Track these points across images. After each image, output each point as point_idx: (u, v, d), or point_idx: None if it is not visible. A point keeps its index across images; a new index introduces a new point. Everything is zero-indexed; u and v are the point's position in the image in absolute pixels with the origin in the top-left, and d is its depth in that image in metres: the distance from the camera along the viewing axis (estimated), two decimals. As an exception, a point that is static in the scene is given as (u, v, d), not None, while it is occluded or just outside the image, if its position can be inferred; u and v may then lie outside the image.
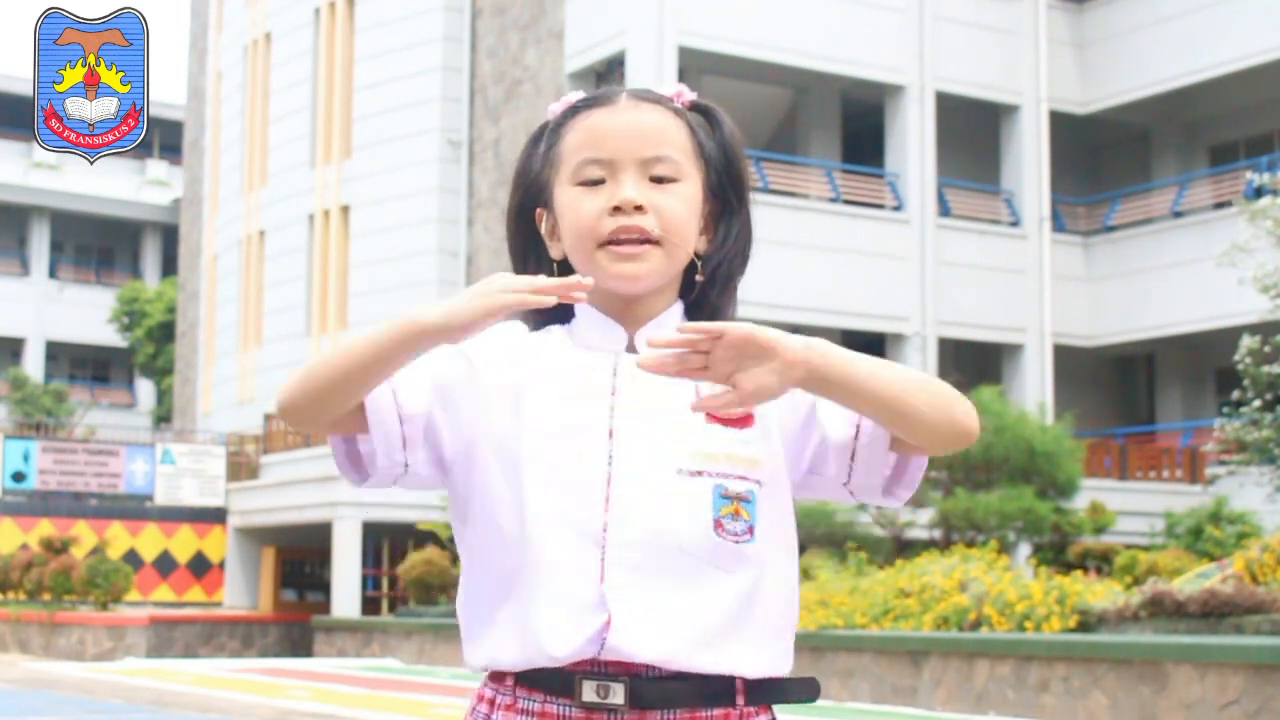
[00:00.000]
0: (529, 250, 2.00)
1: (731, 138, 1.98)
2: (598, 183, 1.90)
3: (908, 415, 1.83)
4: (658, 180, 1.90)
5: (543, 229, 1.98)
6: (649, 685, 1.81)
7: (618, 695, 1.81)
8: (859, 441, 1.90)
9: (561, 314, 1.97)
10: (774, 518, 1.89)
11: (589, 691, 1.81)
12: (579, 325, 1.95)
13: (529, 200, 1.99)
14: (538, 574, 1.83)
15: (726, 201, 1.98)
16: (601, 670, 1.82)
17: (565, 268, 1.96)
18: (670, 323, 1.94)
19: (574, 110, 1.96)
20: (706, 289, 1.97)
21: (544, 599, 1.83)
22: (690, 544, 1.83)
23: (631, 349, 1.92)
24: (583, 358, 1.92)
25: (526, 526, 1.84)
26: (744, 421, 1.86)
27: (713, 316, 1.98)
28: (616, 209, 1.88)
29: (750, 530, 1.85)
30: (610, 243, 1.88)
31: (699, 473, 1.84)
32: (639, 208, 1.88)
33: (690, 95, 1.99)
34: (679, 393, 1.87)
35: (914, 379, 1.84)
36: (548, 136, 1.98)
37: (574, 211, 1.90)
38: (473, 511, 1.90)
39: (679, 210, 1.90)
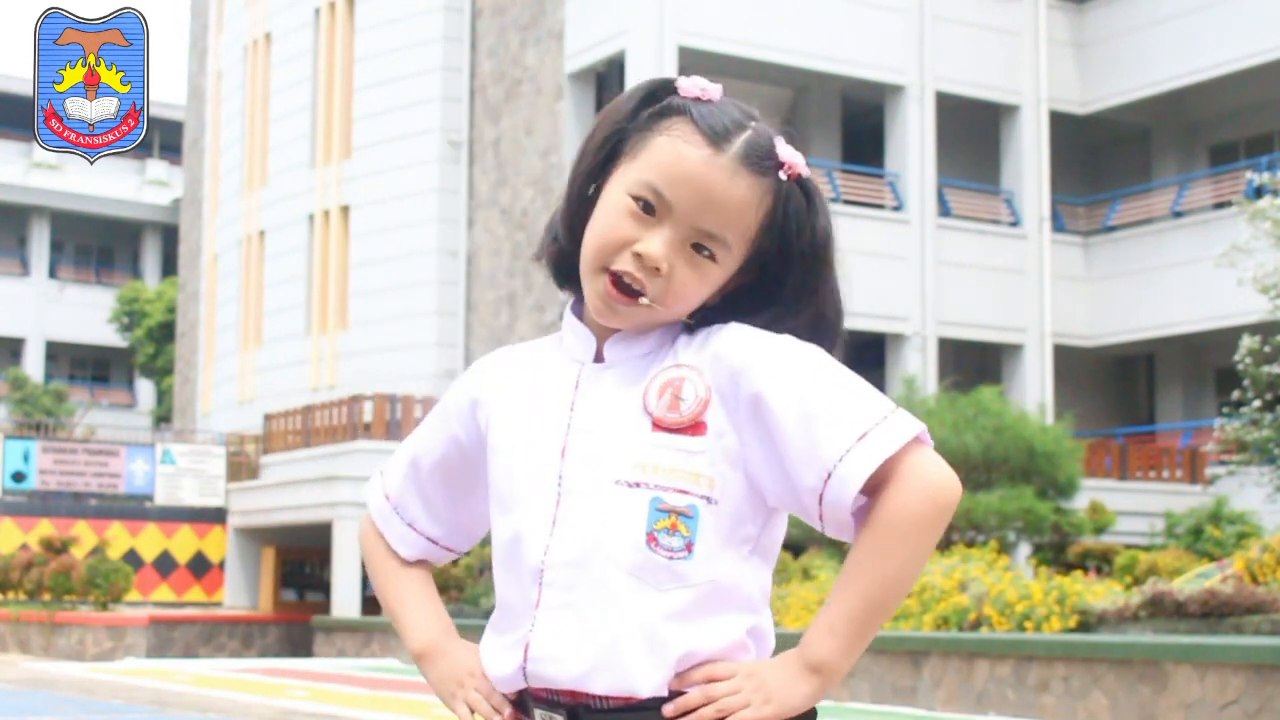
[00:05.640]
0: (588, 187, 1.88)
1: (825, 224, 1.86)
2: (648, 209, 1.80)
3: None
4: (697, 247, 1.80)
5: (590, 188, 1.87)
6: (590, 715, 1.77)
7: None
8: (825, 494, 1.74)
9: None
10: (728, 538, 1.78)
11: (538, 718, 1.81)
12: (564, 330, 1.91)
13: (610, 144, 1.86)
14: (497, 609, 1.85)
15: (800, 274, 1.85)
16: (552, 694, 1.78)
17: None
18: (646, 336, 1.85)
19: (687, 113, 1.84)
20: (709, 314, 1.87)
21: (494, 632, 1.85)
22: (620, 557, 1.75)
23: (599, 358, 1.86)
24: (552, 371, 1.87)
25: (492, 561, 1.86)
26: (695, 429, 1.76)
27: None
28: (638, 255, 1.79)
29: (689, 547, 1.75)
30: (612, 276, 1.80)
31: (637, 484, 1.76)
32: (656, 269, 1.78)
33: (802, 170, 1.85)
34: (628, 401, 1.81)
35: (905, 578, 1.74)
36: (653, 116, 1.84)
37: (608, 221, 1.81)
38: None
39: (694, 288, 1.81)
